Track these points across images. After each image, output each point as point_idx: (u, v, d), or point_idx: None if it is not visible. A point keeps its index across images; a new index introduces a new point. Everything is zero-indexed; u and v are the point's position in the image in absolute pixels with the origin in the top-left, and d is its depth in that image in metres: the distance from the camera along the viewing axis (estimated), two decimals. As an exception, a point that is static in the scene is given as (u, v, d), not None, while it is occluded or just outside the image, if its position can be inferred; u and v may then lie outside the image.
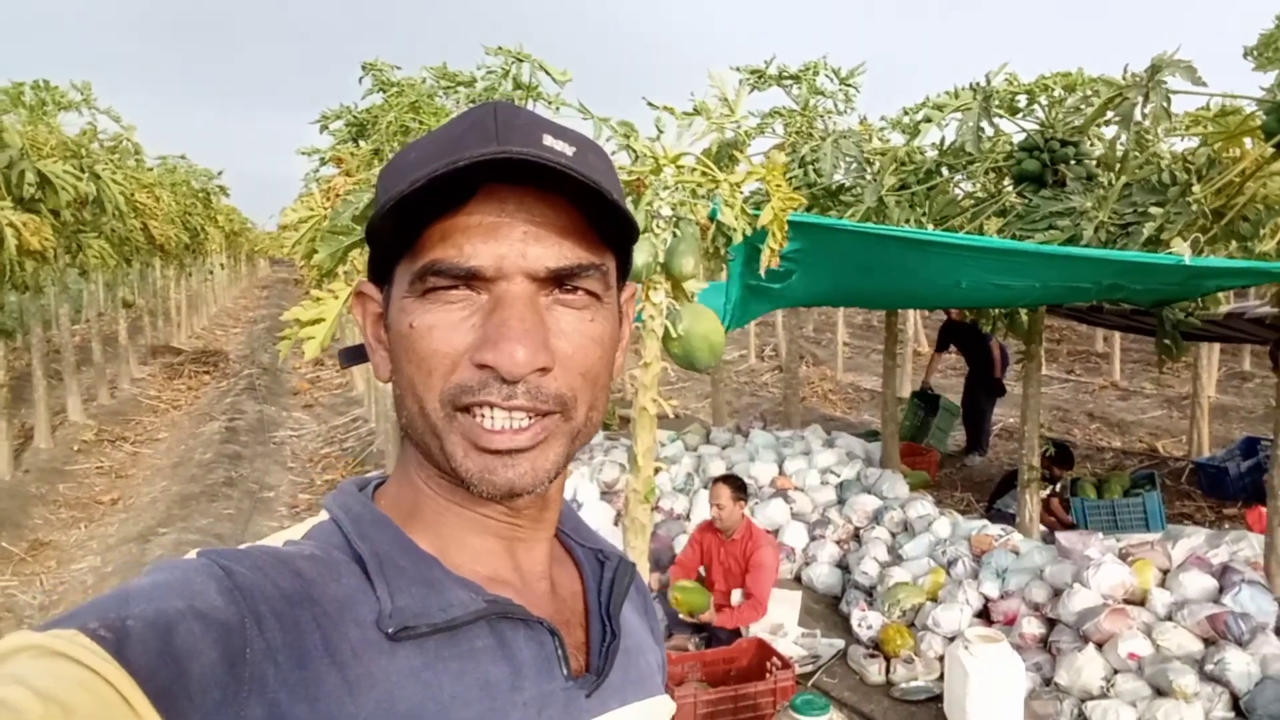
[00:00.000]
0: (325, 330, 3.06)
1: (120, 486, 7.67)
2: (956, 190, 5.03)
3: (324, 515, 0.65)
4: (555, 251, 0.58)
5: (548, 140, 0.57)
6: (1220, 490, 7.12)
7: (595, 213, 0.59)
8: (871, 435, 7.36)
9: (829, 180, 4.75)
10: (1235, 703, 3.40)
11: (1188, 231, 3.50)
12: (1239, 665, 3.42)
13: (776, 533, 5.37)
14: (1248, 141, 4.21)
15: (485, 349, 0.57)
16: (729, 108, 3.33)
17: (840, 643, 4.37)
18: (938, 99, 4.54)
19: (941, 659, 4.00)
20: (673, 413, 2.60)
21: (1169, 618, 3.76)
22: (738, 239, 2.23)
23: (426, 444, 0.61)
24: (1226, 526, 6.00)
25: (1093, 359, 13.87)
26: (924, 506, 5.19)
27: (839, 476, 5.95)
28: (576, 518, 0.75)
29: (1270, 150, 3.65)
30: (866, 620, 4.33)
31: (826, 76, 5.38)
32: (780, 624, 4.42)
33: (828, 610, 4.83)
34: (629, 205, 0.61)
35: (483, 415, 0.58)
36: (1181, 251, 3.10)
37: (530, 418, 0.58)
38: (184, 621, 0.49)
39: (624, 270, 0.67)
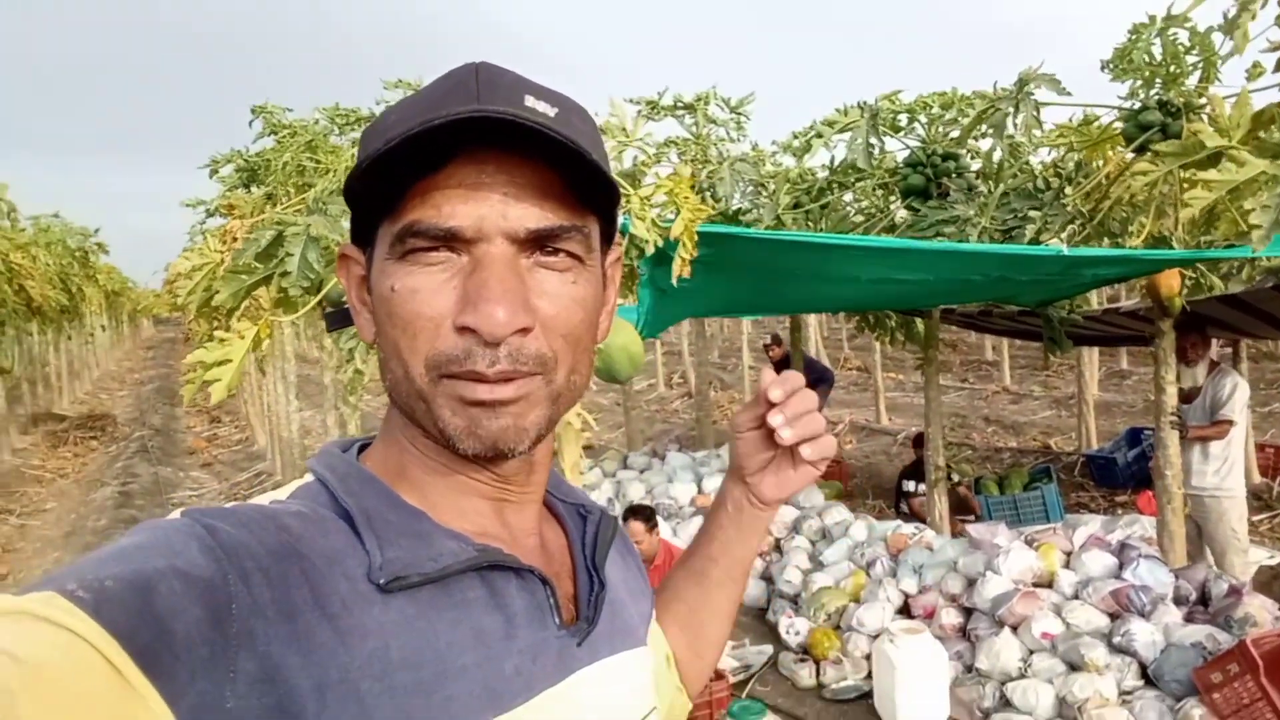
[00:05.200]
0: (232, 371, 2.99)
1: (8, 561, 7.22)
2: (848, 208, 5.25)
3: (308, 477, 0.64)
4: (536, 213, 0.58)
5: (529, 101, 0.57)
6: (1111, 479, 7.53)
7: (576, 175, 0.59)
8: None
9: (727, 204, 4.90)
10: (1144, 670, 3.59)
11: (1063, 232, 3.74)
12: (1144, 635, 3.61)
13: (700, 550, 5.43)
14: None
15: (466, 311, 0.57)
16: (626, 135, 3.41)
17: (770, 649, 4.44)
18: (828, 117, 4.74)
19: (868, 657, 4.10)
20: (587, 441, 2.65)
21: (1075, 596, 3.96)
22: (650, 250, 2.30)
23: (412, 406, 0.61)
24: (1120, 512, 6.34)
25: (984, 367, 14.50)
26: (840, 513, 5.34)
27: (756, 491, 6.05)
28: (556, 475, 0.75)
29: (1131, 155, 3.94)
30: (794, 627, 4.42)
31: (718, 105, 5.54)
32: (711, 638, 4.46)
33: (755, 621, 4.90)
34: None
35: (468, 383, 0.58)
36: (1059, 243, 3.31)
37: (512, 379, 0.58)
38: (165, 580, 0.48)
39: (608, 234, 0.67)
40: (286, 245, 3.01)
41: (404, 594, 0.56)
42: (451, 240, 0.58)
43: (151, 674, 0.45)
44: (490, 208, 0.57)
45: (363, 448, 0.68)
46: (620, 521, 0.78)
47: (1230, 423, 4.59)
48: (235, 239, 3.87)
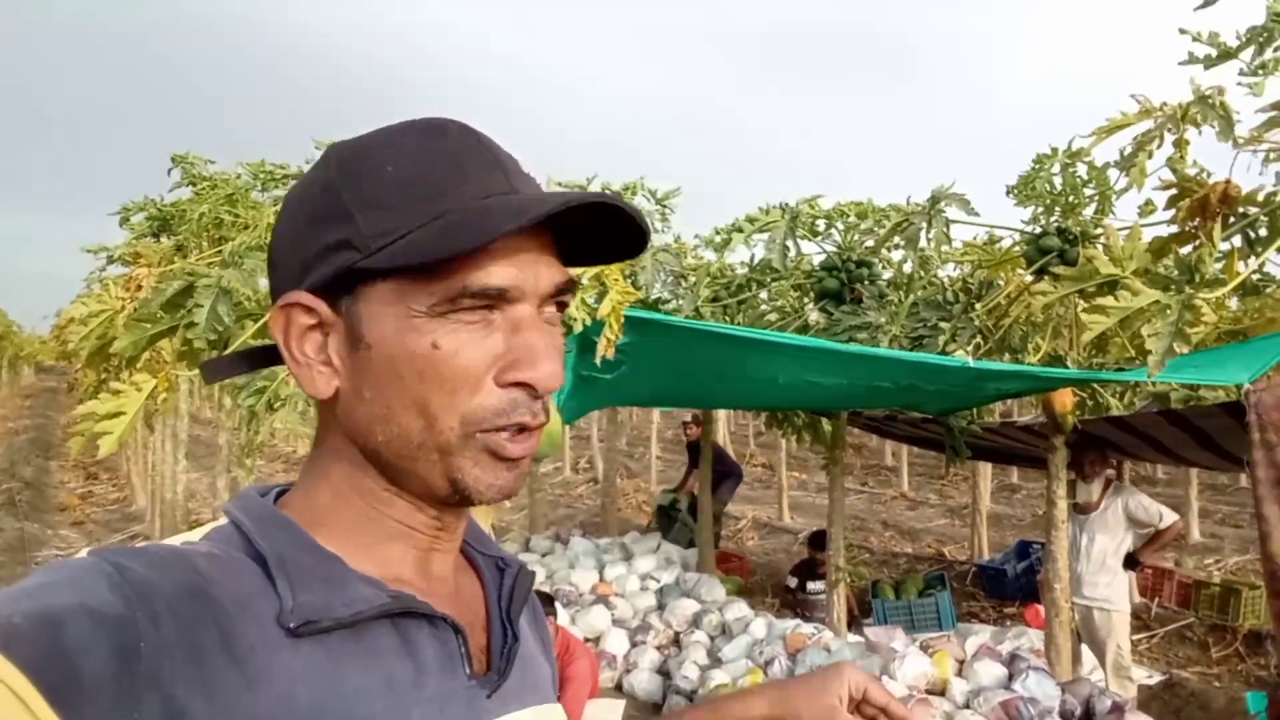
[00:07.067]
0: (125, 425, 2.83)
1: None
2: (764, 305, 5.38)
3: (222, 520, 0.63)
4: (557, 271, 0.63)
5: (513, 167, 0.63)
6: (1000, 590, 7.69)
7: (562, 235, 0.64)
8: (688, 542, 7.48)
9: (648, 292, 4.97)
10: (1030, 783, 3.61)
11: (969, 345, 3.90)
12: (1031, 747, 3.65)
13: (598, 640, 5.30)
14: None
15: (521, 369, 0.60)
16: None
17: (663, 750, 4.32)
18: (749, 215, 4.88)
19: (762, 760, 4.03)
20: (489, 526, 2.61)
21: (967, 705, 3.99)
22: (577, 328, 2.30)
23: (414, 458, 0.60)
24: (1008, 624, 6.47)
25: (883, 472, 14.84)
26: (741, 609, 5.30)
27: (659, 582, 5.99)
28: (476, 526, 0.76)
29: (1030, 277, 4.16)
30: (688, 725, 4.32)
31: (644, 196, 5.66)
32: (603, 733, 4.33)
33: (648, 718, 4.78)
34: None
35: (510, 435, 0.61)
36: (965, 356, 3.44)
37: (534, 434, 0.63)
38: (74, 617, 0.48)
39: None
40: (196, 296, 2.91)
41: (313, 639, 0.56)
42: (497, 300, 0.60)
43: (60, 710, 0.45)
44: (527, 269, 0.60)
45: (280, 494, 0.67)
46: (533, 581, 0.77)
47: (1178, 521, 4.99)
48: (140, 287, 3.70)
